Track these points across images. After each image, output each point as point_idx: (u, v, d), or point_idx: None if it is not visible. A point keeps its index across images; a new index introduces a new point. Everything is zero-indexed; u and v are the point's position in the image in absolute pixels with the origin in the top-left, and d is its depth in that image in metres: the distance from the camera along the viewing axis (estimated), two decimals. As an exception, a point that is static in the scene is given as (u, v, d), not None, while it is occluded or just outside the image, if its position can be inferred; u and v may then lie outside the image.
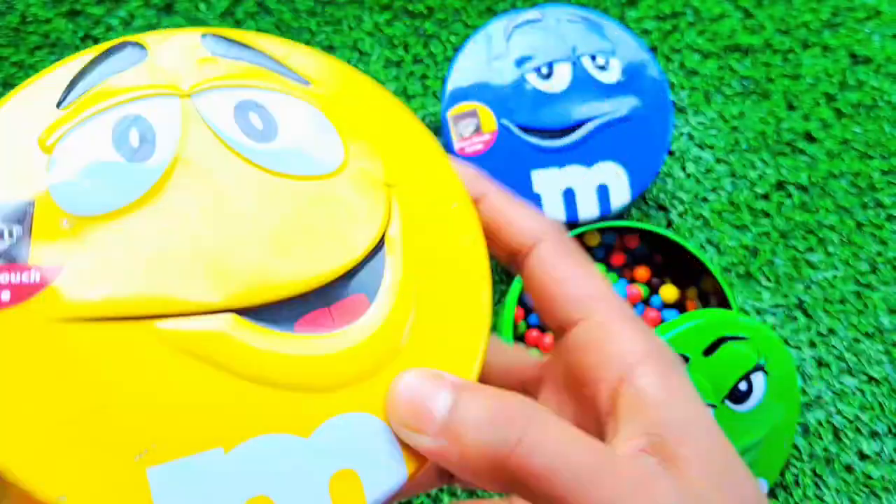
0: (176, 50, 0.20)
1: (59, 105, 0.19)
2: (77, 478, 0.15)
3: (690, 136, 0.59)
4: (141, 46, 0.20)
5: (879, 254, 0.57)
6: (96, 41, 0.58)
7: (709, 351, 0.42)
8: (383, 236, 0.19)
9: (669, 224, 0.57)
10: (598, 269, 0.19)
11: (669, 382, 0.17)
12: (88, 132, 0.17)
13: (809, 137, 0.60)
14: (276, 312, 0.17)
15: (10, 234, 0.16)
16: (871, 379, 0.53)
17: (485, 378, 0.19)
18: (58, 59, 0.58)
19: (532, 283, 0.20)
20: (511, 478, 0.15)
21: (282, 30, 0.59)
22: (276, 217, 0.18)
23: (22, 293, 0.15)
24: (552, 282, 0.20)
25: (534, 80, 0.51)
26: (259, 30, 0.59)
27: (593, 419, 0.18)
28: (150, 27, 0.58)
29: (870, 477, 0.51)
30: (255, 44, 0.21)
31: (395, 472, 0.16)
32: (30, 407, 0.15)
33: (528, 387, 0.22)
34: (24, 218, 0.16)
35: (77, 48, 0.58)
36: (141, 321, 0.16)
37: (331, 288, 0.18)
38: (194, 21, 0.59)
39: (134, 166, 0.17)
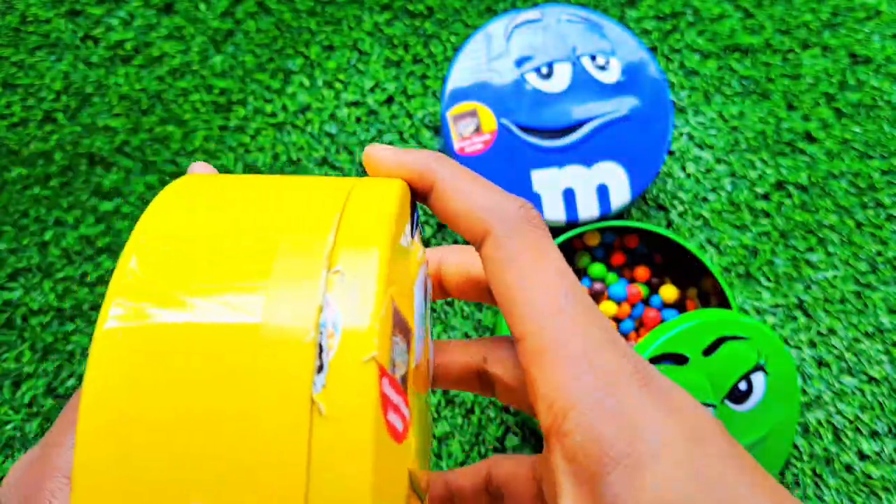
0: None
1: None
2: None
3: (690, 136, 0.59)
4: None
5: (879, 253, 0.57)
6: (96, 42, 0.58)
7: (709, 351, 0.42)
8: None
9: (669, 224, 0.57)
10: (551, 263, 0.17)
11: (616, 425, 0.15)
12: None
13: (809, 137, 0.60)
14: None
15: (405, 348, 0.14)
16: (871, 379, 0.53)
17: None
18: (57, 60, 0.58)
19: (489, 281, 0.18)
20: None
21: (282, 30, 0.59)
22: None
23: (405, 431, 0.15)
24: (497, 285, 0.17)
25: (534, 80, 0.51)
26: (259, 30, 0.59)
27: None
28: (150, 27, 0.58)
29: (870, 477, 0.51)
30: None
31: None
32: None
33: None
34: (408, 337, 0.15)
35: (77, 48, 0.58)
36: None
37: None
38: (194, 21, 0.59)
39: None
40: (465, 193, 0.18)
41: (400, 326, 0.15)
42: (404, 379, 0.15)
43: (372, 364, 0.14)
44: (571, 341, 0.15)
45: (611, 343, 0.15)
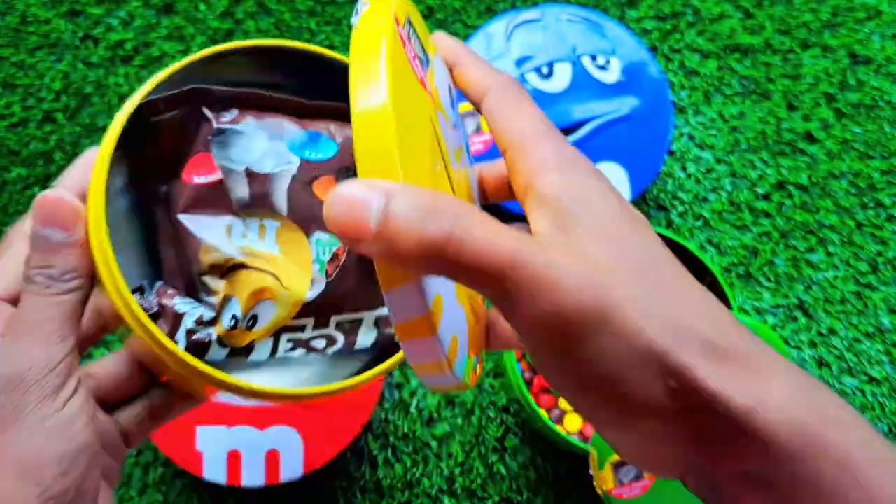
0: None
1: None
2: None
3: (691, 137, 0.59)
4: None
5: (880, 254, 0.57)
6: (96, 42, 0.58)
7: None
8: None
9: (670, 224, 0.57)
10: (531, 108, 0.23)
11: (569, 179, 0.21)
12: None
13: (810, 137, 0.60)
14: None
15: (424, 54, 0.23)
16: (871, 379, 0.53)
17: None
18: (57, 60, 0.58)
19: (489, 128, 0.24)
20: (451, 267, 0.17)
21: (282, 30, 0.59)
22: None
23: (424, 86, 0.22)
24: (492, 124, 0.23)
25: (534, 80, 0.51)
26: (259, 30, 0.59)
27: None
28: (150, 27, 0.58)
29: (870, 477, 0.51)
30: None
31: None
32: None
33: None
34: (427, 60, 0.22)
35: (77, 48, 0.58)
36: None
37: None
38: (194, 21, 0.59)
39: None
40: (465, 67, 0.25)
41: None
42: (419, 59, 0.21)
43: (389, 8, 0.20)
44: (543, 141, 0.22)
45: (575, 152, 0.22)
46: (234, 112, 0.28)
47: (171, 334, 0.26)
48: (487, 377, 0.52)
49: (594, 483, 0.42)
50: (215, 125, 0.28)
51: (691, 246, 0.49)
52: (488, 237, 0.17)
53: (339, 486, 0.49)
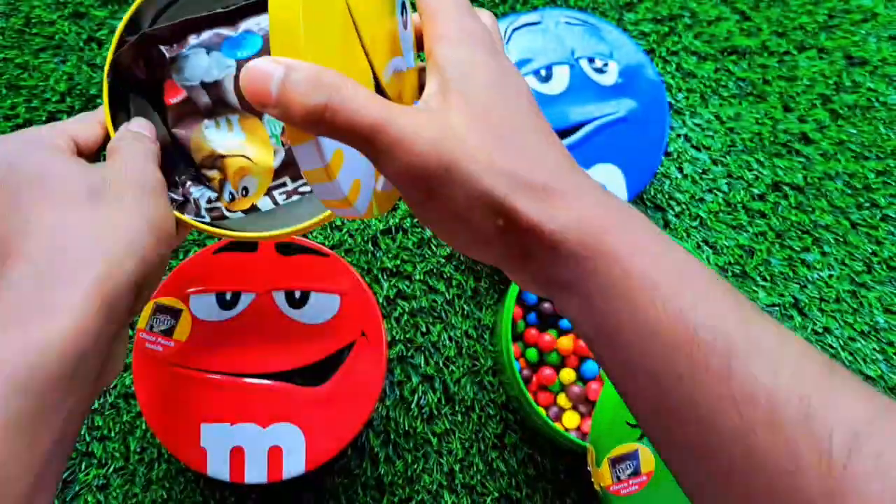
0: None
1: None
2: None
3: (687, 138, 0.60)
4: None
5: (874, 253, 0.57)
6: (100, 44, 0.59)
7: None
8: None
9: (666, 224, 0.57)
10: None
11: (459, 52, 0.25)
12: None
13: (805, 139, 0.60)
14: None
15: None
16: (866, 377, 0.54)
17: None
18: (62, 62, 0.58)
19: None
20: (329, 129, 0.21)
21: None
22: None
23: None
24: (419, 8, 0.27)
25: (532, 82, 0.52)
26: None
27: None
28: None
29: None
30: None
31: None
32: None
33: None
34: None
35: (81, 50, 0.59)
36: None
37: None
38: (197, 23, 0.59)
39: None
40: None
41: None
42: None
43: None
44: (450, 14, 0.25)
45: (476, 27, 0.26)
46: (177, 43, 0.37)
47: (197, 212, 0.37)
48: (486, 375, 0.53)
49: (592, 479, 0.43)
50: (168, 56, 0.37)
51: (688, 246, 0.50)
52: (358, 105, 0.21)
53: (341, 482, 0.50)
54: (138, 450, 0.50)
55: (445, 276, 0.55)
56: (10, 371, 0.23)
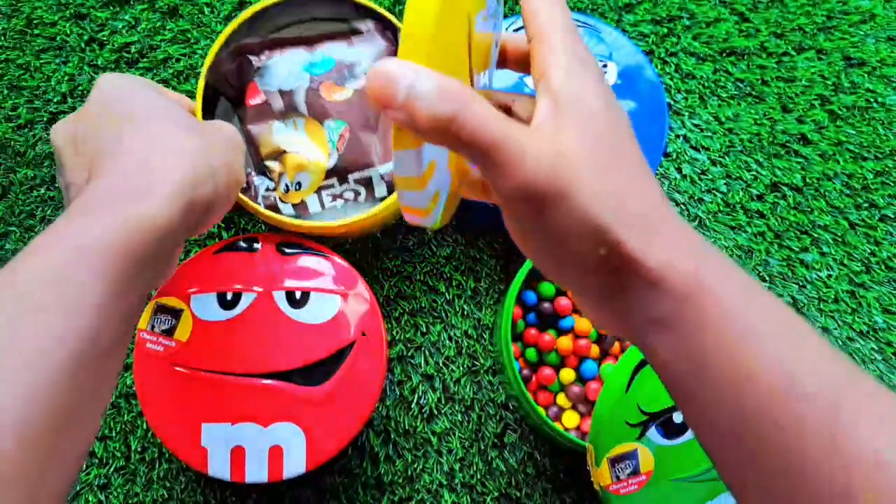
0: None
1: None
2: None
3: (686, 139, 0.60)
4: None
5: (873, 254, 0.57)
6: (102, 45, 0.59)
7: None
8: None
9: (666, 224, 0.57)
10: (561, 9, 0.26)
11: (574, 78, 0.25)
12: None
13: (804, 139, 0.61)
14: None
15: None
16: (864, 377, 0.54)
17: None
18: (63, 63, 0.59)
19: (523, 15, 0.28)
20: (452, 141, 0.22)
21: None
22: None
23: None
24: (527, 14, 0.27)
25: (532, 84, 0.52)
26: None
27: None
28: (155, 31, 0.59)
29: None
30: None
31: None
32: None
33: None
34: None
35: (83, 51, 0.59)
36: None
37: None
38: (199, 25, 0.60)
39: None
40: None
41: None
42: None
43: None
44: (564, 39, 0.26)
45: (587, 53, 0.26)
46: (267, 52, 0.47)
47: (255, 198, 0.46)
48: (486, 375, 0.53)
49: (591, 479, 0.43)
50: (255, 65, 0.46)
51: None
52: (483, 120, 0.21)
53: (341, 482, 0.50)
54: (139, 449, 0.50)
55: (445, 276, 0.55)
56: (111, 239, 0.27)
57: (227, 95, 0.48)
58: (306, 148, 0.46)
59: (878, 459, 0.20)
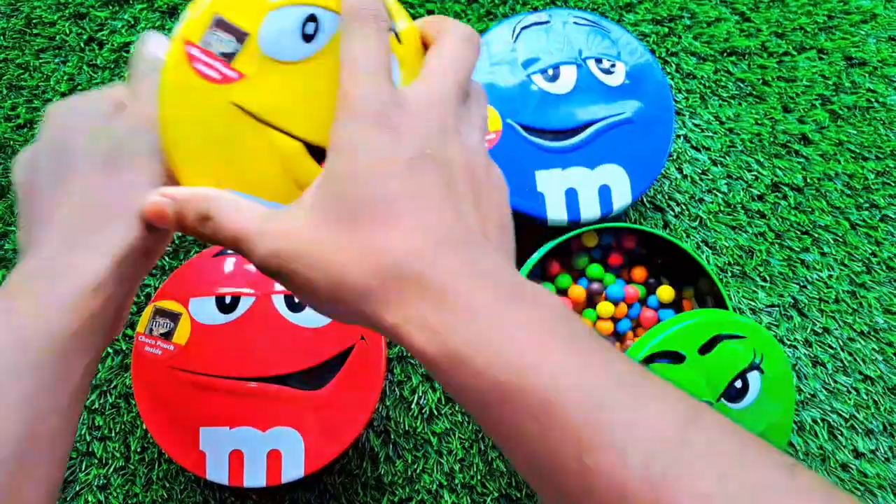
0: None
1: None
2: None
3: (687, 138, 0.60)
4: None
5: (874, 254, 0.57)
6: (101, 45, 0.59)
7: (704, 349, 0.43)
8: None
9: (666, 225, 0.57)
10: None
11: (353, 130, 0.25)
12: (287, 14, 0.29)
13: (805, 139, 0.60)
14: None
15: (236, 44, 0.28)
16: (865, 377, 0.54)
17: None
18: (62, 62, 0.58)
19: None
20: (210, 238, 0.26)
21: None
22: None
23: (224, 79, 0.28)
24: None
25: (540, 82, 0.52)
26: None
27: None
28: (155, 30, 0.59)
29: (865, 475, 0.51)
30: None
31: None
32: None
33: None
34: (242, 39, 0.28)
35: (82, 51, 0.59)
36: (267, 127, 0.28)
37: None
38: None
39: (306, 45, 0.29)
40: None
41: (224, 28, 0.28)
42: (228, 55, 0.28)
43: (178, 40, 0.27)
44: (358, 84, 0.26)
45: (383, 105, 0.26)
46: None
47: None
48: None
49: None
50: None
51: (687, 247, 0.50)
52: (232, 217, 0.26)
53: (341, 482, 0.50)
54: (139, 449, 0.50)
55: (445, 277, 0.55)
56: (33, 331, 0.27)
57: None
58: None
59: None
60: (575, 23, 0.54)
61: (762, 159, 0.59)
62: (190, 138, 0.28)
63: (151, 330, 0.45)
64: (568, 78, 0.52)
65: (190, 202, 0.26)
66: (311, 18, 0.28)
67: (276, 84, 0.28)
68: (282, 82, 0.28)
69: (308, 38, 0.28)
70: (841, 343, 0.55)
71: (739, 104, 0.61)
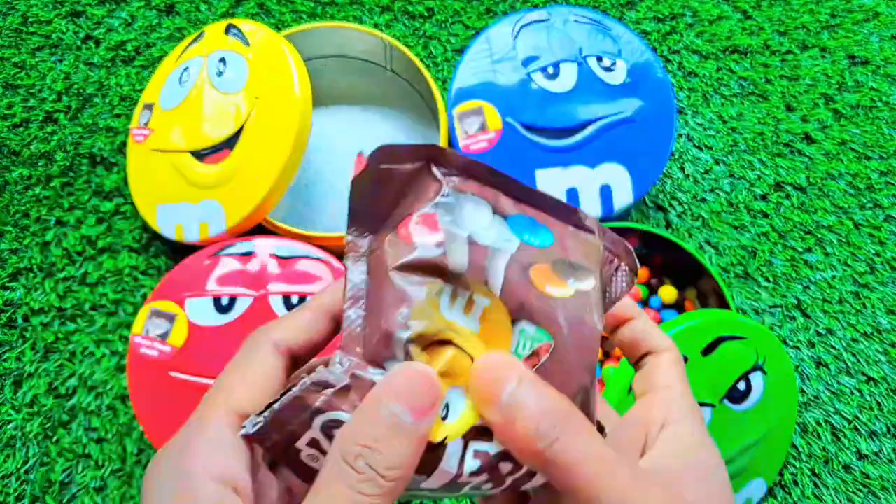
0: None
1: None
2: None
3: (689, 137, 0.59)
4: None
5: (877, 254, 0.57)
6: (98, 42, 0.58)
7: (707, 350, 0.42)
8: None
9: (668, 225, 0.57)
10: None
11: (694, 430, 0.23)
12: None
13: (808, 138, 0.60)
14: None
15: None
16: (869, 379, 0.54)
17: None
18: (59, 61, 0.58)
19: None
20: (544, 466, 0.19)
21: (282, 31, 0.60)
22: None
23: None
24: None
25: (540, 80, 0.51)
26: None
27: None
28: (151, 28, 0.59)
29: (868, 476, 0.51)
30: None
31: None
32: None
33: None
34: None
35: (78, 49, 0.58)
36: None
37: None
38: (195, 23, 0.59)
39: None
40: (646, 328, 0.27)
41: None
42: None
43: None
44: (685, 392, 0.24)
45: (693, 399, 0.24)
46: (459, 178, 0.26)
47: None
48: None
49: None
50: (445, 187, 0.25)
51: (689, 246, 0.49)
52: (581, 458, 0.19)
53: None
54: (135, 451, 0.49)
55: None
56: None
57: (357, 209, 0.25)
58: (475, 346, 0.24)
59: None
60: (575, 20, 0.53)
61: (765, 158, 0.59)
62: None
63: (147, 331, 0.44)
64: (568, 76, 0.52)
65: (542, 413, 0.20)
66: None
67: None
68: None
69: None
70: (844, 344, 0.54)
71: (742, 103, 0.60)
